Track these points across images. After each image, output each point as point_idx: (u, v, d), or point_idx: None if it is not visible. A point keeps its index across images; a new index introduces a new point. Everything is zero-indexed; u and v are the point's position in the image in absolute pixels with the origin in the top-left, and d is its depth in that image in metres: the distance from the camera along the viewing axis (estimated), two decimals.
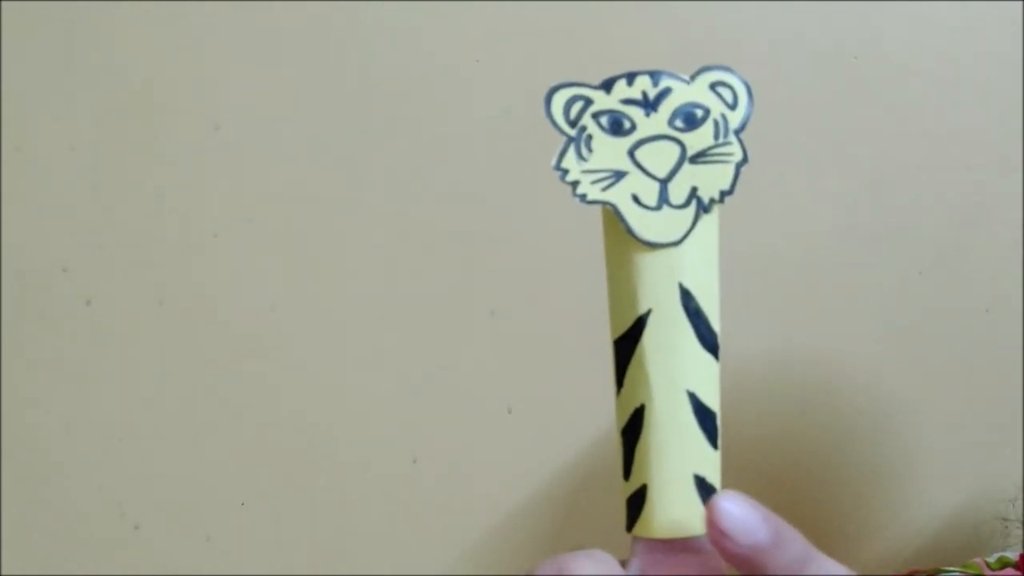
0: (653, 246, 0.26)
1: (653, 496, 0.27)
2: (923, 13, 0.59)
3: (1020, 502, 0.54)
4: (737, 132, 0.27)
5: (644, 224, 0.26)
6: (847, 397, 0.60)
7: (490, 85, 0.57)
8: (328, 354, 0.58)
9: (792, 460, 0.61)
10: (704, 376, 0.27)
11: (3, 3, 0.55)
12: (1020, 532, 0.53)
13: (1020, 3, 0.58)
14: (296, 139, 0.57)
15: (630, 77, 0.27)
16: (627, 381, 0.27)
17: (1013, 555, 0.48)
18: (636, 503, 0.27)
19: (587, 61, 0.57)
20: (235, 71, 0.56)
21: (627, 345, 0.27)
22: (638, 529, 0.27)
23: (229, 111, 0.56)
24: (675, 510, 0.26)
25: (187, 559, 0.58)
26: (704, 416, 0.27)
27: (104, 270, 0.56)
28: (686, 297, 0.27)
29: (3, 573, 0.56)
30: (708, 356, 0.27)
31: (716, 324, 0.27)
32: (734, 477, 0.64)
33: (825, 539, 0.64)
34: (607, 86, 0.27)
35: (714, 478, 0.27)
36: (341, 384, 0.58)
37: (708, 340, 0.27)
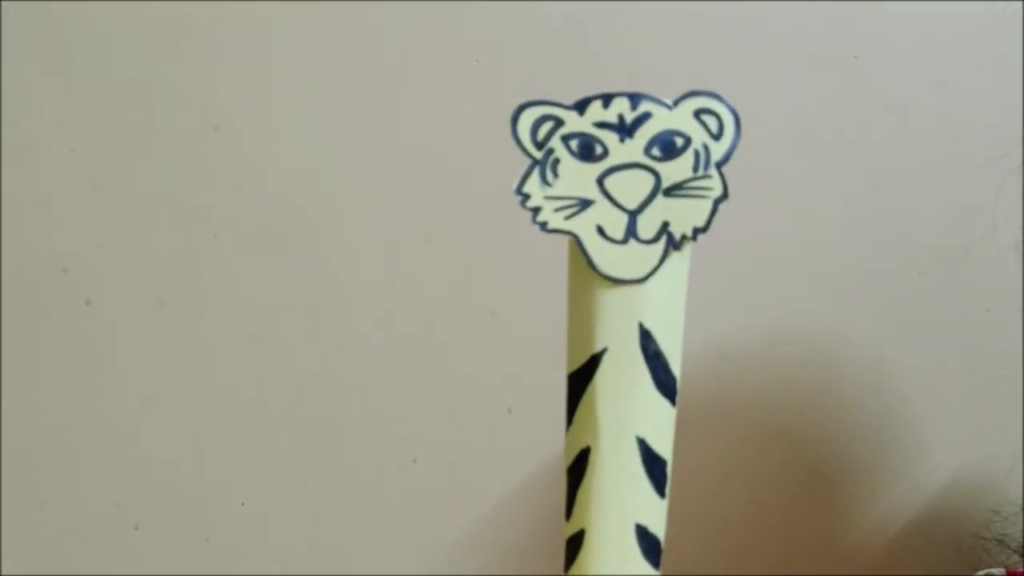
0: (615, 282, 0.25)
1: (590, 542, 0.26)
2: (923, 13, 0.59)
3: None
4: (719, 165, 0.25)
5: (607, 258, 0.25)
6: (846, 398, 0.60)
7: (490, 85, 0.57)
8: (328, 354, 0.58)
9: (790, 460, 0.61)
10: (657, 422, 0.26)
11: (3, 3, 0.55)
12: (998, 550, 0.53)
13: (1020, 3, 0.58)
14: (296, 139, 0.57)
15: (607, 99, 0.25)
16: (576, 419, 0.26)
17: (999, 572, 0.48)
18: (574, 546, 0.26)
19: (586, 61, 0.57)
20: (235, 71, 0.56)
21: (579, 382, 0.26)
22: (572, 572, 0.26)
23: (229, 111, 0.56)
24: (611, 559, 0.26)
25: (187, 559, 0.58)
26: (653, 464, 0.26)
27: (104, 270, 0.56)
28: (646, 338, 0.25)
29: (3, 573, 0.56)
30: (664, 401, 0.26)
31: (676, 368, 0.26)
32: (732, 476, 0.64)
33: (823, 538, 0.64)
34: (581, 107, 0.25)
35: (658, 528, 0.26)
36: (341, 384, 0.58)
37: (666, 385, 0.26)
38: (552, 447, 0.59)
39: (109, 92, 0.56)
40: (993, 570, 0.48)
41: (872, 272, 0.60)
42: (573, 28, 0.57)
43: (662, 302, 0.25)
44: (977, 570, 0.50)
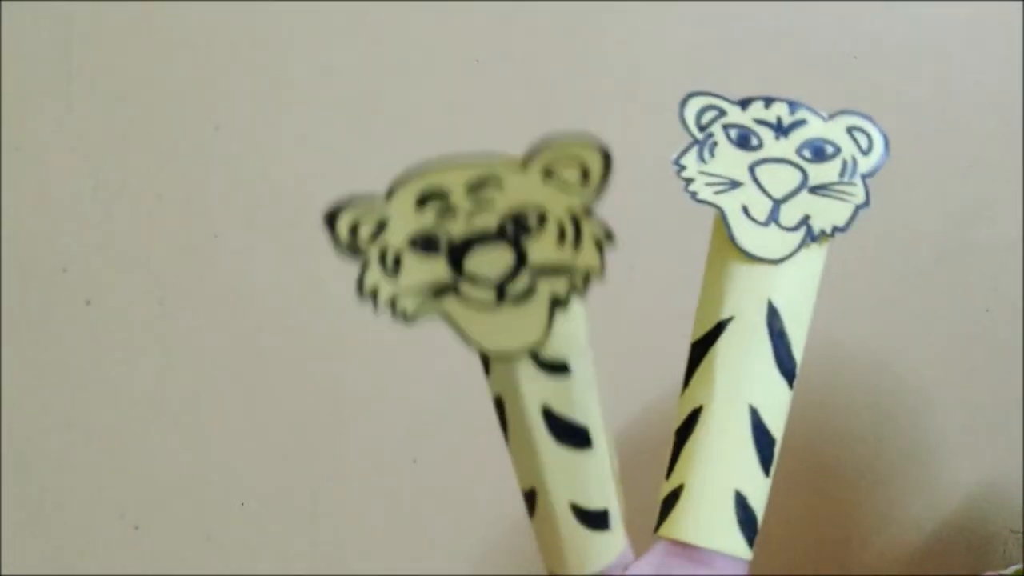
0: (751, 258, 0.26)
1: (687, 497, 0.25)
2: (923, 13, 0.59)
3: None
4: (865, 177, 0.27)
5: (748, 235, 0.26)
6: (846, 398, 0.60)
7: (490, 85, 0.57)
8: (328, 354, 0.58)
9: (792, 460, 0.60)
10: (772, 397, 0.26)
11: (3, 3, 0.55)
12: None
13: (1020, 3, 0.58)
14: (296, 139, 0.57)
15: (768, 101, 0.27)
16: (692, 382, 0.27)
17: None
18: (670, 502, 0.26)
19: (586, 60, 0.57)
20: (235, 71, 0.56)
21: (701, 348, 0.27)
22: (663, 529, 0.26)
23: (229, 111, 0.56)
24: (706, 517, 0.25)
25: (187, 559, 0.58)
26: (762, 436, 0.26)
27: (104, 270, 0.56)
28: (773, 315, 0.26)
29: (3, 573, 0.56)
30: (782, 380, 0.26)
31: (798, 353, 0.26)
32: None
33: (826, 538, 0.64)
34: (744, 104, 0.28)
35: (757, 502, 0.26)
36: (341, 384, 0.58)
37: (786, 364, 0.26)
38: None
39: (109, 92, 0.56)
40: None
41: (872, 272, 0.60)
42: (573, 28, 0.57)
43: (794, 287, 0.26)
44: (1009, 565, 0.49)
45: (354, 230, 0.23)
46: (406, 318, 0.23)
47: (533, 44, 0.57)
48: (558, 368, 0.23)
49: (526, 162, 0.22)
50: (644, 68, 0.57)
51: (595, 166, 0.22)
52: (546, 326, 0.22)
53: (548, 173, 0.22)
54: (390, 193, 0.23)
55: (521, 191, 0.22)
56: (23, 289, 0.56)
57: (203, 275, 0.57)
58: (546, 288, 0.22)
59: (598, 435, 0.24)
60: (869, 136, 0.28)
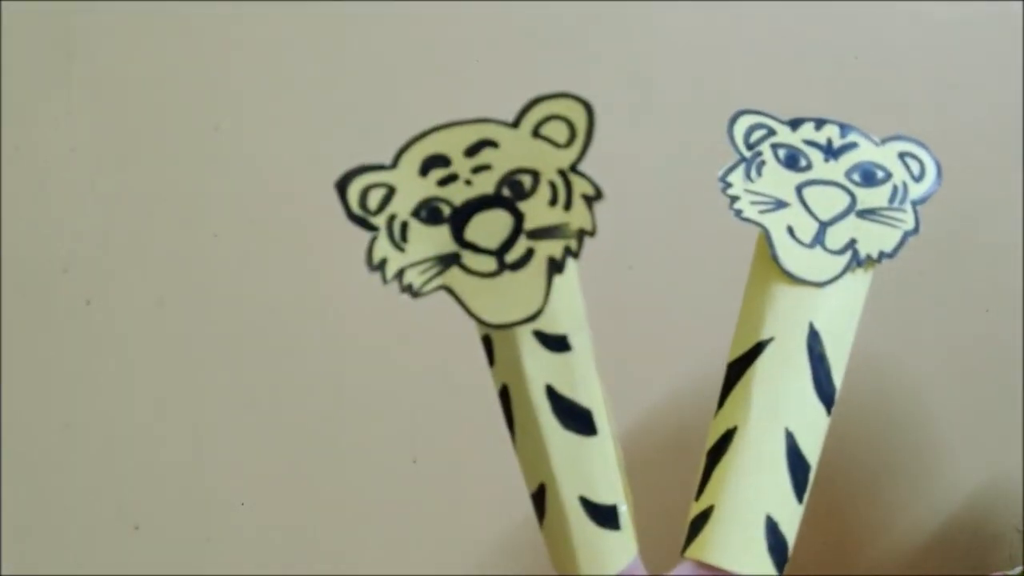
0: (794, 279, 0.26)
1: (717, 519, 0.25)
2: (923, 13, 0.59)
3: None
4: (915, 203, 0.27)
5: (791, 256, 0.26)
6: (847, 398, 0.60)
7: (490, 85, 0.57)
8: (328, 354, 0.58)
9: None
10: (809, 422, 0.25)
11: (3, 3, 0.55)
12: None
13: (1020, 3, 0.58)
14: (296, 139, 0.57)
15: (819, 122, 0.27)
16: (727, 403, 0.26)
17: None
18: (698, 524, 0.25)
19: (586, 61, 0.57)
20: (235, 71, 0.56)
21: (739, 368, 0.26)
22: (691, 551, 0.25)
23: (229, 111, 0.56)
24: (734, 541, 0.25)
25: (187, 559, 0.58)
26: (797, 461, 0.25)
27: (104, 270, 0.56)
28: (814, 338, 0.26)
29: (3, 573, 0.56)
30: (819, 405, 0.26)
31: (838, 378, 0.26)
32: None
33: (828, 539, 0.64)
34: (794, 124, 0.27)
35: (788, 529, 0.25)
36: (341, 384, 0.58)
37: (824, 390, 0.26)
38: None
39: (109, 92, 0.56)
40: None
41: (872, 272, 0.60)
42: (574, 27, 0.57)
43: (836, 311, 0.26)
44: (1015, 565, 0.49)
45: (364, 199, 0.24)
46: (413, 292, 0.24)
47: (533, 44, 0.57)
48: (559, 343, 0.24)
49: (517, 122, 0.23)
50: (644, 68, 0.57)
51: (580, 121, 0.23)
52: (545, 292, 0.23)
53: (537, 132, 0.23)
54: (396, 160, 0.24)
55: (514, 151, 0.23)
56: (23, 289, 0.56)
57: (203, 275, 0.57)
58: (543, 252, 0.23)
59: (602, 423, 0.24)
60: (921, 163, 0.27)
